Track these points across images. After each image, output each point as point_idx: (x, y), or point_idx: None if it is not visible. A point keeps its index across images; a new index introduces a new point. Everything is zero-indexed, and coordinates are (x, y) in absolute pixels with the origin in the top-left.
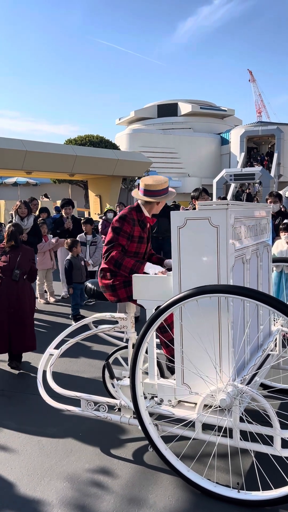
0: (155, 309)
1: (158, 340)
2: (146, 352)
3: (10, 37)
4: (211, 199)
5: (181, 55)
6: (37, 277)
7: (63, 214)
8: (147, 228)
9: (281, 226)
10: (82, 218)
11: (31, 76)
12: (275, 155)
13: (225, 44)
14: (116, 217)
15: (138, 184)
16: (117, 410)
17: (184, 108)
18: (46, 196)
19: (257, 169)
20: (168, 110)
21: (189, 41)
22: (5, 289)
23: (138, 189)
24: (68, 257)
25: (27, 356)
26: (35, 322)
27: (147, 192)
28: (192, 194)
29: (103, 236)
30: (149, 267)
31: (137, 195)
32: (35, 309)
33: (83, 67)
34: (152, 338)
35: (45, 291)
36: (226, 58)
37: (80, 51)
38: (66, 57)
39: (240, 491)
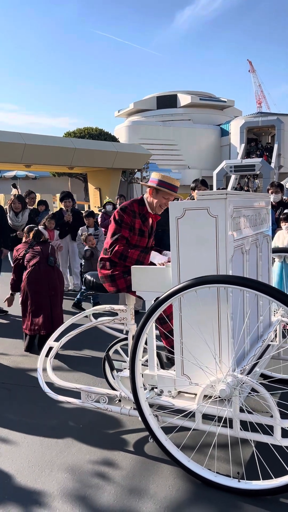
0: (154, 300)
1: (157, 332)
2: (146, 344)
3: (7, 30)
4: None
5: (180, 46)
6: None
7: (63, 207)
8: (148, 223)
9: (281, 216)
10: (83, 212)
11: (29, 69)
12: (275, 146)
13: (224, 34)
14: (118, 209)
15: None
16: (117, 401)
17: (184, 99)
18: (14, 186)
19: (257, 160)
20: (167, 101)
21: (187, 31)
22: (44, 274)
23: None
24: (87, 247)
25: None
26: None
27: (162, 183)
28: (191, 185)
29: (103, 229)
30: (155, 256)
31: (152, 189)
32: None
33: (81, 59)
34: (151, 329)
35: None
36: (226, 48)
37: (77, 43)
38: (63, 49)
39: (240, 480)
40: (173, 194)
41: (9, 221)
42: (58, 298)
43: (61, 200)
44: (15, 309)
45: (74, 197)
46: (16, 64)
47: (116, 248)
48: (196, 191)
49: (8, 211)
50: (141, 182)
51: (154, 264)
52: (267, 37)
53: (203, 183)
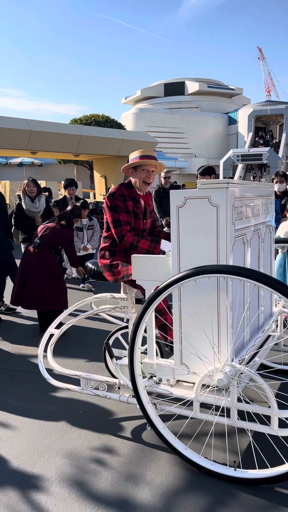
0: (154, 289)
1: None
2: (145, 332)
3: (12, 15)
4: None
5: (187, 31)
6: None
7: (67, 194)
8: (141, 204)
9: None
10: (82, 199)
11: (34, 54)
12: (284, 135)
13: (234, 19)
14: (107, 195)
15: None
16: (116, 389)
17: (192, 86)
18: None
19: (264, 149)
20: (175, 88)
21: (194, 16)
22: (27, 253)
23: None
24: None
25: (28, 335)
26: None
27: (130, 160)
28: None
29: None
30: (166, 244)
31: (125, 169)
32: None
33: (87, 44)
34: (151, 318)
35: None
36: (235, 34)
37: (83, 28)
38: (68, 33)
39: (236, 469)
40: (142, 162)
41: (24, 207)
42: (35, 281)
43: (65, 187)
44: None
45: (80, 185)
46: (20, 48)
47: (126, 238)
48: (198, 179)
49: (22, 197)
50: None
51: (164, 253)
52: (277, 23)
53: (203, 173)
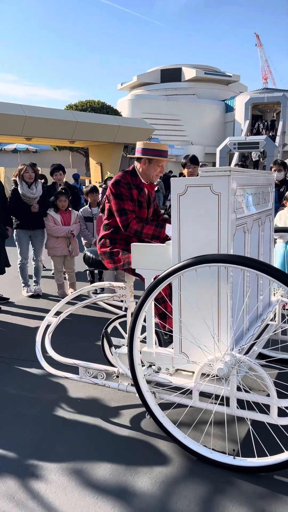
0: (154, 279)
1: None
2: (145, 321)
3: None
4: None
5: (183, 16)
6: (53, 265)
7: (55, 180)
8: (145, 193)
9: (287, 195)
10: (85, 186)
11: (26, 38)
12: (280, 123)
13: (232, 4)
14: (111, 182)
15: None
16: (115, 377)
17: (188, 73)
18: None
19: (261, 137)
20: (171, 75)
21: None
22: None
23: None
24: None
25: (25, 324)
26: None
27: (148, 151)
28: (181, 162)
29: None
30: (169, 229)
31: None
32: None
33: (81, 28)
34: (150, 307)
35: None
36: (233, 20)
37: (76, 11)
38: (62, 17)
39: (235, 457)
40: (164, 160)
41: (21, 192)
42: None
43: (52, 173)
44: (16, 294)
45: (76, 172)
46: (12, 32)
47: (131, 225)
48: (186, 169)
49: (19, 182)
50: (129, 155)
51: (168, 238)
52: (276, 10)
53: (193, 161)
